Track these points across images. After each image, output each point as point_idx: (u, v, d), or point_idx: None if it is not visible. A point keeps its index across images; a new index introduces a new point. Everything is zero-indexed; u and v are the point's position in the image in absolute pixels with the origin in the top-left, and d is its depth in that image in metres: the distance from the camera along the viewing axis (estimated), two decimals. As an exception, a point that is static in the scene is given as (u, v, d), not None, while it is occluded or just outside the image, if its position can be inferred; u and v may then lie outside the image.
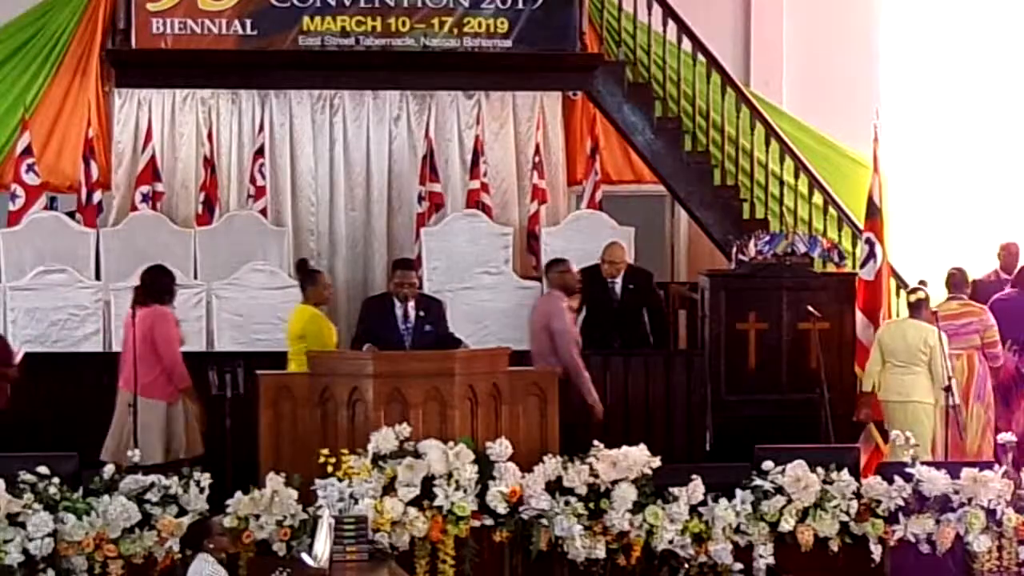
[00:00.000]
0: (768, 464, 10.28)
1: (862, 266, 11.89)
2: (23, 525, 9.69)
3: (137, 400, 10.95)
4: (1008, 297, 12.91)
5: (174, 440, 11.26)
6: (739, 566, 10.09)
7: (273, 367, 11.13)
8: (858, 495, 10.26)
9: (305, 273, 12.09)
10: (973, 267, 13.30)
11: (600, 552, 10.01)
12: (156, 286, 11.48)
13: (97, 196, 14.13)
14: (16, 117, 14.01)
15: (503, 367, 10.74)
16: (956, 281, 12.44)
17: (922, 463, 10.41)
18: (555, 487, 10.09)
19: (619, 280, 13.01)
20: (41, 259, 13.23)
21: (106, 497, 9.86)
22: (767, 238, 12.98)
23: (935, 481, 10.31)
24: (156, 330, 11.24)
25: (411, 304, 11.43)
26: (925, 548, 10.24)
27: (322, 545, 9.12)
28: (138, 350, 11.02)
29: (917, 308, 11.82)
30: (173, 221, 14.23)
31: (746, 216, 13.90)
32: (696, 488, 10.17)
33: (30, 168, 13.83)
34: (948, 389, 11.38)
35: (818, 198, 13.90)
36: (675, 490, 10.14)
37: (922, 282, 13.18)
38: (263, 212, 14.41)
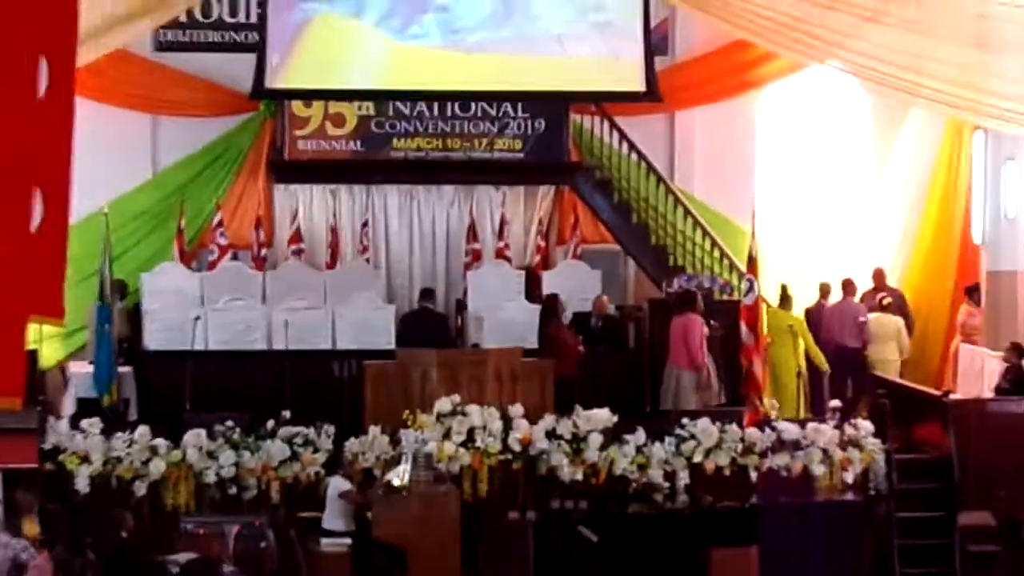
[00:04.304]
0: (686, 420, 10.34)
1: (745, 296, 11.84)
2: (216, 458, 9.84)
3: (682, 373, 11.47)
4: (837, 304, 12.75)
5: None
6: (667, 485, 10.12)
7: (373, 358, 11.05)
8: (742, 440, 10.29)
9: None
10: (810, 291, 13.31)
11: (580, 476, 10.06)
12: (686, 300, 11.74)
13: (264, 251, 14.12)
14: (213, 202, 14.07)
15: (519, 358, 10.80)
16: None
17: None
18: (551, 434, 10.13)
19: (601, 320, 12.87)
20: (229, 292, 13.13)
21: (269, 441, 9.98)
22: (685, 277, 13.01)
23: (790, 431, 10.36)
24: (687, 327, 11.46)
25: None
26: (784, 473, 10.27)
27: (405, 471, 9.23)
28: (676, 342, 11.50)
29: None
30: (312, 267, 14.21)
31: (671, 264, 13.86)
32: (640, 435, 10.21)
33: (221, 234, 13.88)
34: None
35: (717, 252, 13.89)
36: (627, 436, 10.18)
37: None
38: (368, 260, 14.37)
